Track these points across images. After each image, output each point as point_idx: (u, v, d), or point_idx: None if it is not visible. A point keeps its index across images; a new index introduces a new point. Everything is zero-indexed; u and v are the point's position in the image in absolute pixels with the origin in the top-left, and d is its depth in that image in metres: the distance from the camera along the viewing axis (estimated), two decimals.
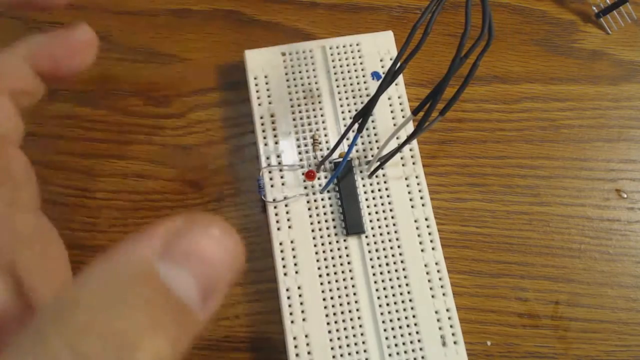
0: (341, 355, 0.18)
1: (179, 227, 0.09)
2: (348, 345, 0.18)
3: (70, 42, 0.13)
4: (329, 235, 0.19)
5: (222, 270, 0.09)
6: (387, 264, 0.19)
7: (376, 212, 0.19)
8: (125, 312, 0.08)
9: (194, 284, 0.09)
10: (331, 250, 0.19)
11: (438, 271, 0.19)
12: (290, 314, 0.18)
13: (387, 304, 0.18)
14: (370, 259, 0.19)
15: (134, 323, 0.08)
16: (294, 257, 0.19)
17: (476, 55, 0.14)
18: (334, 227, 0.19)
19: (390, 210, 0.19)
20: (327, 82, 0.21)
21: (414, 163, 0.20)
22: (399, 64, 0.15)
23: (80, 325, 0.07)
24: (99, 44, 0.14)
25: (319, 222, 0.19)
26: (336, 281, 0.18)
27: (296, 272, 0.18)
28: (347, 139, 0.20)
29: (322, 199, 0.19)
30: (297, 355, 0.17)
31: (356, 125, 0.17)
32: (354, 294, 0.18)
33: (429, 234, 0.19)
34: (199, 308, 0.09)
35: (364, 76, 0.21)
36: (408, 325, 0.18)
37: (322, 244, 0.19)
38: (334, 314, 0.18)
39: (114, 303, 0.08)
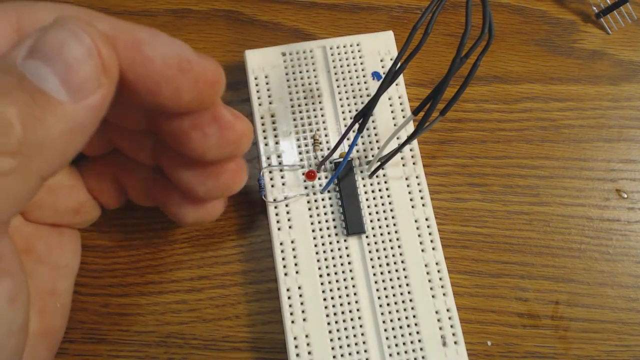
0: (341, 355, 0.18)
1: (52, 25, 0.11)
2: (348, 345, 0.18)
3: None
4: (329, 235, 0.19)
5: (85, 68, 0.11)
6: (387, 264, 0.19)
7: (376, 212, 0.19)
8: None
9: (53, 75, 0.10)
10: (331, 250, 0.19)
11: (438, 271, 0.19)
12: (291, 314, 0.18)
13: (388, 304, 0.18)
14: (371, 259, 0.19)
15: None
16: (295, 257, 0.19)
17: (476, 55, 0.14)
18: (335, 227, 0.19)
19: (391, 210, 0.19)
20: (328, 82, 0.21)
21: (414, 163, 0.20)
22: (399, 64, 0.15)
23: None
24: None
25: (319, 222, 0.19)
26: (337, 281, 0.18)
27: (296, 272, 0.18)
28: (348, 139, 0.20)
29: (323, 199, 0.19)
30: (297, 355, 0.17)
31: (357, 125, 0.17)
32: (355, 294, 0.18)
33: (430, 234, 0.19)
34: (65, 96, 0.11)
35: (364, 76, 0.21)
36: (408, 325, 0.18)
37: (323, 244, 0.19)
38: (335, 314, 0.18)
39: None
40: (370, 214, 0.19)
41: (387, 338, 0.18)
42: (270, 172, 0.20)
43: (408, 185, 0.20)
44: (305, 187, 0.19)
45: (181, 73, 0.12)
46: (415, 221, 0.19)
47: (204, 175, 0.15)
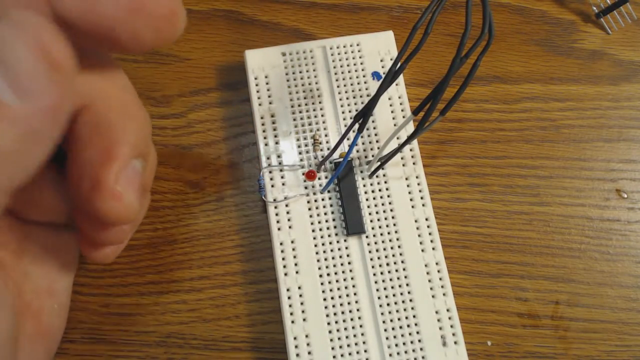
0: (341, 355, 0.18)
1: None
2: (348, 345, 0.18)
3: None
4: (329, 235, 0.19)
5: (32, 66, 0.10)
6: (387, 264, 0.19)
7: (376, 212, 0.19)
8: None
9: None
10: (331, 250, 0.19)
11: (438, 271, 0.19)
12: (291, 314, 0.18)
13: (388, 304, 0.18)
14: (371, 259, 0.19)
15: None
16: (295, 257, 0.19)
17: (476, 55, 0.14)
18: (335, 227, 0.19)
19: (391, 210, 0.19)
20: (328, 82, 0.21)
21: (414, 163, 0.20)
22: (399, 64, 0.15)
23: None
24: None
25: (319, 222, 0.19)
26: (336, 281, 0.18)
27: (296, 272, 0.18)
28: (348, 139, 0.20)
29: (323, 199, 0.19)
30: (297, 355, 0.17)
31: (357, 125, 0.17)
32: (355, 294, 0.18)
33: (430, 234, 0.19)
34: (13, 98, 0.10)
35: (364, 76, 0.21)
36: (408, 325, 0.18)
37: (323, 244, 0.19)
38: (335, 314, 0.18)
39: None
40: (370, 214, 0.19)
41: (387, 338, 0.18)
42: (270, 172, 0.20)
43: (408, 185, 0.20)
44: (305, 187, 0.19)
45: (134, 13, 0.11)
46: (415, 221, 0.19)
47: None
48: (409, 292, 0.18)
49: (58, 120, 0.10)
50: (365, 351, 0.18)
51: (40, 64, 0.10)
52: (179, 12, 0.12)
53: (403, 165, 0.20)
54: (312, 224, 0.19)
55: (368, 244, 0.19)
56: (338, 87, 0.21)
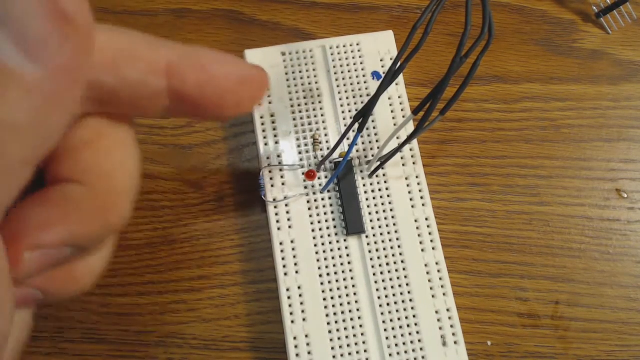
0: (341, 355, 0.18)
1: None
2: (348, 345, 0.18)
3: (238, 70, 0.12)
4: (329, 235, 0.19)
5: (38, 22, 0.08)
6: (387, 264, 0.19)
7: (376, 212, 0.19)
8: None
9: (4, 37, 0.08)
10: (331, 250, 0.19)
11: (438, 271, 0.19)
12: (291, 314, 0.18)
13: (388, 304, 0.18)
14: (371, 259, 0.19)
15: None
16: (294, 257, 0.19)
17: (476, 55, 0.14)
18: (334, 227, 0.19)
19: (391, 210, 0.19)
20: (328, 82, 0.21)
21: (414, 163, 0.20)
22: (399, 64, 0.15)
23: None
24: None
25: (319, 222, 0.19)
26: (336, 281, 0.18)
27: (296, 272, 0.18)
28: (348, 138, 0.20)
29: (323, 199, 0.19)
30: (297, 355, 0.17)
31: (356, 125, 0.17)
32: (354, 294, 0.18)
33: (430, 233, 0.19)
34: (23, 61, 0.08)
35: (364, 76, 0.21)
36: (408, 325, 0.18)
37: (323, 244, 0.19)
38: (334, 314, 0.18)
39: None
40: (370, 213, 0.19)
41: (387, 338, 0.18)
42: (270, 171, 0.20)
43: (408, 185, 0.20)
44: (305, 187, 0.19)
45: (241, 84, 0.12)
46: (415, 221, 0.19)
47: None
48: (409, 292, 0.18)
49: (77, 80, 0.09)
50: (365, 351, 0.18)
51: (50, 18, 0.08)
52: (268, 81, 0.13)
53: (403, 165, 0.20)
54: (312, 223, 0.19)
55: (368, 244, 0.19)
56: (338, 87, 0.21)
